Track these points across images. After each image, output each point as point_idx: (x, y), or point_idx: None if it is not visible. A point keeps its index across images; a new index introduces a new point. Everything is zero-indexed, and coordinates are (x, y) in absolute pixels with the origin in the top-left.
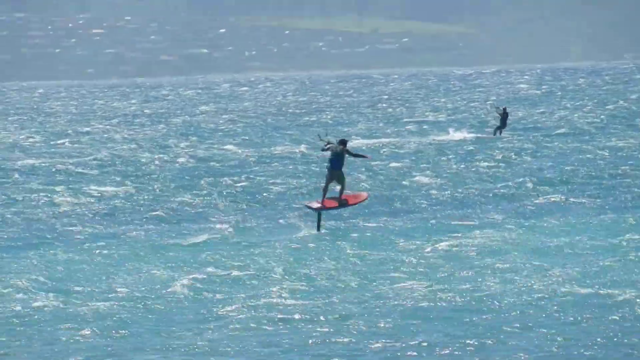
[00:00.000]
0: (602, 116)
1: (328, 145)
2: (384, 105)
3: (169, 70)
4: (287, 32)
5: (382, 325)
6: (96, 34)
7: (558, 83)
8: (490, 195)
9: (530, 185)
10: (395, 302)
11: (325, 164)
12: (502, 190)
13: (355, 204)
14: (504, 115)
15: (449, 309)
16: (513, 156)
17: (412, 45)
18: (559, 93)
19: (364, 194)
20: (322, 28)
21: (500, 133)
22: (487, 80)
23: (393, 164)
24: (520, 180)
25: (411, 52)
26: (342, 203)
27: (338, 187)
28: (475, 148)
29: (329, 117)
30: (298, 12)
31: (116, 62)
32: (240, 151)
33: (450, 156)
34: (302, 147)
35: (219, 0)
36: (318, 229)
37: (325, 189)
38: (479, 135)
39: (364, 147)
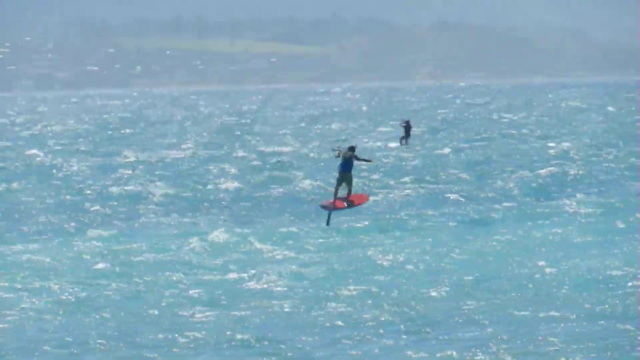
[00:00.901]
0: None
1: (338, 152)
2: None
3: (64, 85)
4: (168, 52)
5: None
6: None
7: (382, 100)
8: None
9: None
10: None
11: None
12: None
13: (360, 204)
14: (407, 127)
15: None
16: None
17: (279, 64)
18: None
19: (366, 196)
20: (199, 49)
21: (407, 142)
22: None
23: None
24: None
25: (279, 70)
26: (350, 204)
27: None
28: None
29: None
30: (177, 34)
31: (19, 76)
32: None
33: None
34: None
35: (107, 24)
36: (328, 223)
37: (336, 191)
38: (389, 144)
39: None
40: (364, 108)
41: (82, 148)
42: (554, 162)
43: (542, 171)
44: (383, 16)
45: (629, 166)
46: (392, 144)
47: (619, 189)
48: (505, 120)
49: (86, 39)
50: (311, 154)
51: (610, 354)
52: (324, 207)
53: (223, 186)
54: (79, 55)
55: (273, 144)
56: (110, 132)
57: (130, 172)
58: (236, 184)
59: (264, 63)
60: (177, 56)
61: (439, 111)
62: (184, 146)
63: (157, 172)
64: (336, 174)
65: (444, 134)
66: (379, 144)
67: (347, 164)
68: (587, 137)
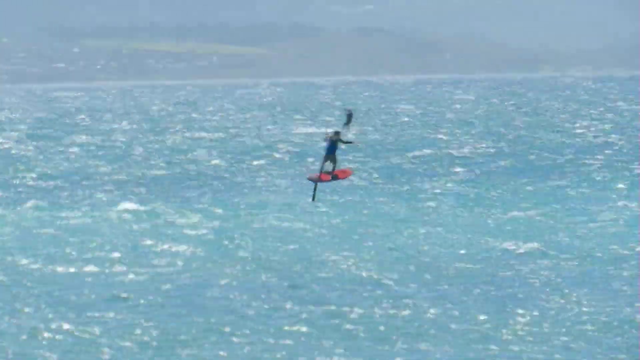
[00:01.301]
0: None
1: (327, 135)
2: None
3: (35, 79)
4: (124, 51)
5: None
6: None
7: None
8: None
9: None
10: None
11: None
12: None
13: (343, 178)
14: (350, 115)
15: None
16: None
17: (220, 63)
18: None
19: (349, 170)
20: (151, 49)
21: (348, 128)
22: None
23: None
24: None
25: (219, 68)
26: (334, 177)
27: (332, 166)
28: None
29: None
30: (132, 36)
31: None
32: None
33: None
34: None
35: (74, 28)
36: (313, 199)
37: (322, 166)
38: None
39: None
40: (283, 100)
41: (38, 132)
42: (429, 147)
43: (416, 153)
44: (310, 22)
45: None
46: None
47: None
48: (399, 110)
49: (55, 40)
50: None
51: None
52: (311, 179)
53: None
54: (48, 55)
55: (202, 130)
56: (65, 119)
57: (75, 151)
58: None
59: (206, 62)
60: (132, 55)
61: (353, 102)
62: (125, 129)
63: (99, 153)
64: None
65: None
66: (314, 129)
67: (332, 146)
68: (470, 125)
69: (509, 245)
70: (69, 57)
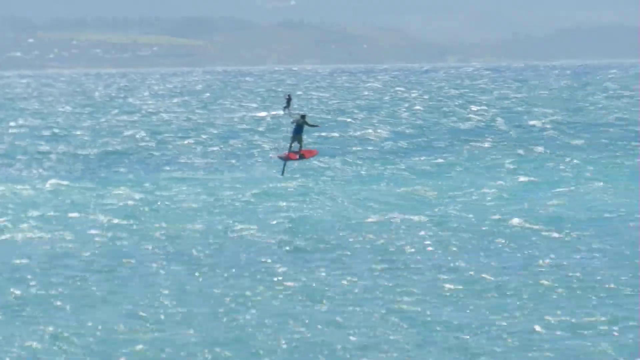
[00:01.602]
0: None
1: (293, 119)
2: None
3: None
4: (74, 42)
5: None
6: None
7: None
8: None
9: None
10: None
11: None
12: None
13: (309, 157)
14: (289, 99)
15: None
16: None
17: (160, 53)
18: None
19: (315, 151)
20: (99, 40)
21: (289, 111)
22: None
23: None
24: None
25: (160, 57)
26: (301, 156)
27: (299, 146)
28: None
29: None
30: (83, 29)
31: None
32: None
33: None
34: None
35: (30, 21)
36: (282, 174)
37: (290, 146)
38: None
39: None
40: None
41: None
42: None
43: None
44: (242, 17)
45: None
46: (278, 112)
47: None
48: (315, 97)
49: (12, 32)
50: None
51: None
52: (280, 157)
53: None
54: (6, 45)
55: (136, 113)
56: (16, 103)
57: (20, 132)
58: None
59: (148, 51)
60: (82, 46)
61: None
62: (67, 112)
63: (43, 133)
64: (290, 135)
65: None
66: (243, 113)
67: (299, 128)
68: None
69: (400, 216)
70: (24, 47)
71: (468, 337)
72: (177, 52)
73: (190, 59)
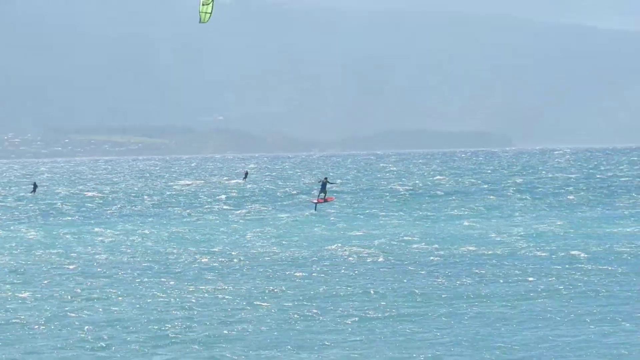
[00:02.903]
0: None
1: (320, 180)
2: None
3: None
4: (92, 141)
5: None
6: None
7: None
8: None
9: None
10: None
11: (318, 187)
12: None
13: (330, 201)
14: (246, 173)
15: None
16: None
17: (143, 147)
18: None
19: (333, 198)
20: (107, 139)
21: (244, 182)
22: None
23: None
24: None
25: (143, 150)
26: (325, 200)
27: (324, 196)
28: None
29: None
30: (97, 133)
31: None
32: None
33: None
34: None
35: (63, 127)
36: (315, 209)
37: (319, 195)
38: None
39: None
40: None
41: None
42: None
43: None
44: (190, 125)
45: None
46: (238, 181)
47: None
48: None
49: (55, 134)
50: None
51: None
52: (313, 202)
53: None
54: (51, 141)
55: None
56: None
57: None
58: None
59: (135, 146)
60: (97, 143)
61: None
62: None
63: (109, 192)
64: (318, 189)
65: None
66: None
67: (323, 185)
68: None
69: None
70: (64, 144)
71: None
72: (153, 147)
73: (160, 150)
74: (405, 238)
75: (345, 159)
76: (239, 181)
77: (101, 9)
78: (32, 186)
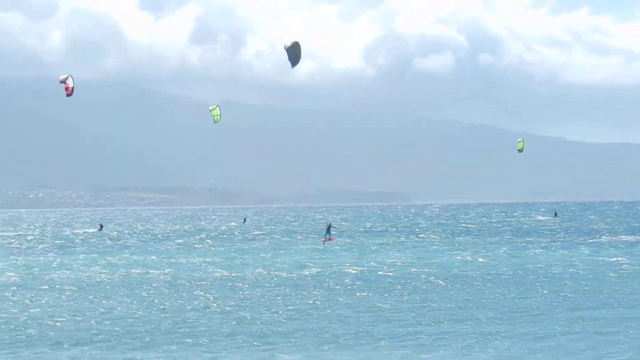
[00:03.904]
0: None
1: (327, 225)
2: None
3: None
4: (125, 196)
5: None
6: None
7: None
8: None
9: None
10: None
11: (324, 228)
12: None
13: (333, 240)
14: (245, 218)
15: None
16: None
17: (155, 201)
18: None
19: (335, 238)
20: (133, 195)
21: (244, 223)
22: None
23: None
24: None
25: (154, 204)
26: (331, 240)
27: (328, 236)
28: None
29: None
30: (126, 191)
31: None
32: None
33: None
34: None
35: (105, 186)
36: (323, 245)
37: (325, 235)
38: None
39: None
40: None
41: None
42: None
43: None
44: (188, 184)
45: None
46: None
47: None
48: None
49: (98, 192)
50: None
51: None
52: (322, 240)
53: None
54: (94, 197)
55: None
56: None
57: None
58: None
59: (150, 201)
60: (128, 197)
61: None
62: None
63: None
64: (324, 230)
65: None
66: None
67: (328, 228)
68: None
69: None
70: (106, 199)
71: None
72: (162, 201)
73: (171, 203)
74: (334, 263)
75: (295, 209)
76: (237, 223)
77: None
78: (99, 226)
